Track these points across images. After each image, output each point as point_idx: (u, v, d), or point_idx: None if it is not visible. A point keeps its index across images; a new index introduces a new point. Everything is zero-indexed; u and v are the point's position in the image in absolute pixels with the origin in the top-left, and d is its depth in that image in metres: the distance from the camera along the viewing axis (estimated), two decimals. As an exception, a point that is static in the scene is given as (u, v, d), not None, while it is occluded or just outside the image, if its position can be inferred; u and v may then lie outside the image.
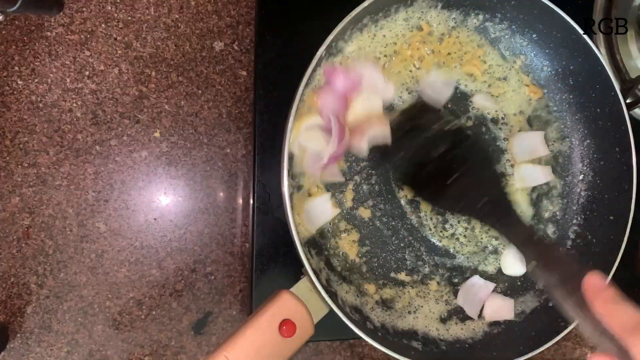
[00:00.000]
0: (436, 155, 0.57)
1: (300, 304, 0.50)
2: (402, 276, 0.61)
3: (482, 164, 0.60)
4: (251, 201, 0.62)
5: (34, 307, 0.60)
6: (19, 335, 0.60)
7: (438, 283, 0.62)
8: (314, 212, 0.57)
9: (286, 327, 0.48)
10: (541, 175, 0.64)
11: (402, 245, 0.61)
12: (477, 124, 0.64)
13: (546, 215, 0.65)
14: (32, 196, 0.60)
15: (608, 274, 0.58)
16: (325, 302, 0.50)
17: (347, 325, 0.50)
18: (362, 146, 0.55)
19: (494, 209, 0.56)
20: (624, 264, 0.59)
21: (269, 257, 0.60)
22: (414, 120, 0.58)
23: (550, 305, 0.62)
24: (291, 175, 0.56)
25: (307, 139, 0.53)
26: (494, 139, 0.64)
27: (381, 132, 0.56)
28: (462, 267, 0.63)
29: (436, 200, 0.59)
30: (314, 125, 0.54)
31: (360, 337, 0.51)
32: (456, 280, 0.62)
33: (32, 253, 0.60)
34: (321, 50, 0.51)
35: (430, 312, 0.61)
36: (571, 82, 0.65)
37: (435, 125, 0.58)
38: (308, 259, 0.50)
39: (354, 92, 0.55)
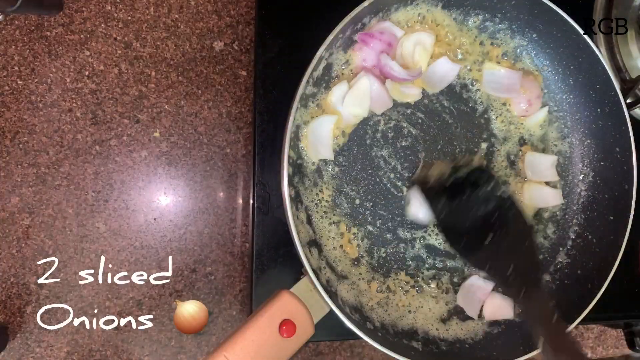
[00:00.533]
0: (480, 214, 0.57)
1: (300, 304, 0.50)
2: (402, 276, 0.61)
3: (519, 234, 0.59)
4: (251, 201, 0.62)
5: (33, 307, 0.60)
6: (19, 335, 0.60)
7: (438, 283, 0.62)
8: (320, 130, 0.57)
9: (286, 327, 0.48)
10: (551, 198, 0.64)
11: (402, 245, 0.61)
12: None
13: (546, 215, 0.65)
14: (32, 196, 0.60)
15: (608, 274, 0.58)
16: (326, 302, 0.50)
17: (347, 325, 0.50)
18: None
19: (521, 279, 0.55)
20: (624, 264, 0.59)
21: (269, 257, 0.60)
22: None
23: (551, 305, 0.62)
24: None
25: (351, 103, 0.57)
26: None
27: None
28: (463, 267, 0.63)
29: (467, 255, 0.59)
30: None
31: (360, 338, 0.51)
32: (456, 280, 0.62)
33: (32, 253, 0.60)
34: (321, 50, 0.51)
35: (430, 312, 0.60)
36: (571, 82, 0.65)
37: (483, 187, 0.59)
38: (308, 259, 0.50)
39: (390, 49, 0.59)
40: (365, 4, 0.52)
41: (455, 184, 0.58)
